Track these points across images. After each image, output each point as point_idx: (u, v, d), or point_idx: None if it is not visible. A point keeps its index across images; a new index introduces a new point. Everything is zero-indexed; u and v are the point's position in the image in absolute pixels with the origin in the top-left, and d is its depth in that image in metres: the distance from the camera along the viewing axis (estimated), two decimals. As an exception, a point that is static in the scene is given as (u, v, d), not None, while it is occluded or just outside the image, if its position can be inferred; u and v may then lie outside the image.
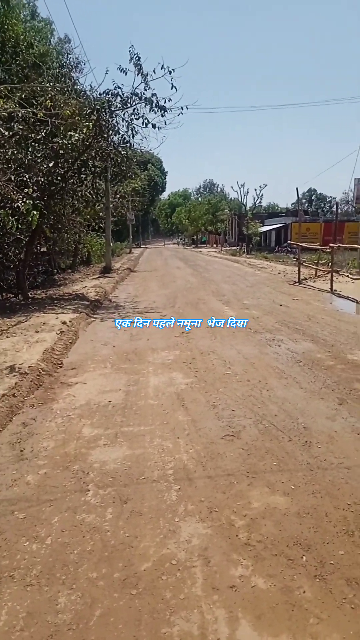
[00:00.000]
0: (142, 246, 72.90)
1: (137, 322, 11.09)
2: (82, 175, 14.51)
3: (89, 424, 5.22)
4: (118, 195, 25.27)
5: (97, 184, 16.55)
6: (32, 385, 6.37)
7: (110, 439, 4.85)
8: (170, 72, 12.37)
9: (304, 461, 4.28)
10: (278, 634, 2.49)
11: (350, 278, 16.69)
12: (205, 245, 73.63)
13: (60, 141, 12.39)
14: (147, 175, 46.18)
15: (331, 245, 17.64)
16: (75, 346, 8.91)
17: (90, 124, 12.31)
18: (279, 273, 23.21)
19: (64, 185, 13.80)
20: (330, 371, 6.95)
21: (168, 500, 3.71)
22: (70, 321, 10.28)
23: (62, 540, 3.25)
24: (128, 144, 14.78)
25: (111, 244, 26.63)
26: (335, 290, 15.88)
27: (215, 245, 66.87)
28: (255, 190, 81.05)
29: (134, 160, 17.15)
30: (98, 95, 13.73)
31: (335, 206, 29.10)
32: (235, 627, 2.53)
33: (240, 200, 47.96)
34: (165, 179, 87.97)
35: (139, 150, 16.58)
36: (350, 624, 2.55)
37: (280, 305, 13.10)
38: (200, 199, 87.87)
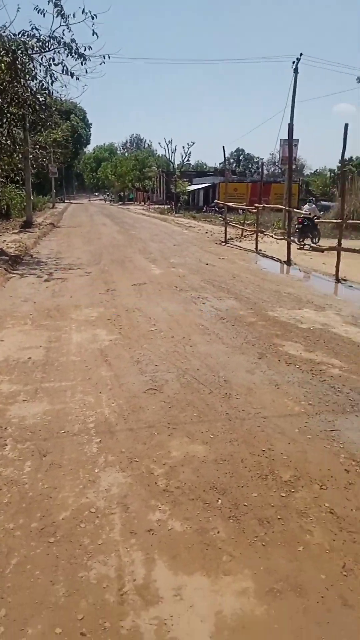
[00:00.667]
0: (66, 201, 70.54)
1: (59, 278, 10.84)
2: (-3, 122, 13.71)
3: (7, 380, 5.10)
4: (38, 146, 24.14)
5: (15, 132, 15.70)
6: None
7: (29, 394, 4.76)
8: (92, 18, 11.79)
9: (223, 412, 4.41)
10: (192, 572, 2.59)
11: (275, 238, 17.05)
12: (132, 203, 72.46)
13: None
14: (70, 125, 44.41)
15: (256, 205, 17.87)
16: (-6, 302, 8.60)
17: (3, 65, 11.55)
18: (207, 232, 23.34)
19: (-24, 131, 13.00)
20: (251, 327, 7.14)
21: (88, 453, 3.72)
22: (-12, 276, 9.87)
23: (-22, 494, 3.19)
24: (47, 91, 14.03)
25: (32, 198, 25.59)
26: (260, 250, 16.21)
27: (143, 203, 65.95)
28: (183, 147, 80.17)
29: (54, 108, 16.34)
30: (12, 36, 12.85)
31: (262, 166, 29.30)
32: (151, 568, 2.61)
33: (168, 157, 47.31)
34: (89, 131, 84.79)
35: (59, 98, 15.77)
36: (260, 560, 2.70)
37: (207, 264, 13.22)
38: (127, 154, 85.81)
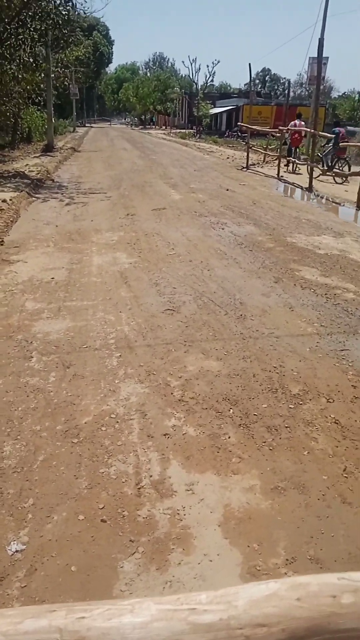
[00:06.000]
0: (87, 125, 68.62)
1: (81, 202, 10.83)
2: (20, 37, 13.24)
3: (32, 299, 5.29)
4: (60, 64, 23.27)
5: (37, 50, 15.19)
6: (-28, 262, 6.29)
7: (53, 312, 4.96)
8: None
9: (237, 332, 4.56)
10: (204, 471, 2.83)
11: (298, 164, 16.59)
12: (153, 127, 70.22)
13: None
14: (92, 42, 42.46)
15: (280, 128, 17.25)
16: (16, 225, 8.69)
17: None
18: (228, 158, 22.74)
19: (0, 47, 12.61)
20: (269, 252, 7.17)
21: (109, 366, 3.93)
22: (10, 199, 9.92)
23: (6, 399, 3.43)
24: (70, 4, 13.44)
25: (53, 120, 24.98)
26: (282, 177, 15.84)
27: (164, 127, 63.85)
28: (208, 67, 76.37)
29: (77, 23, 15.67)
30: None
31: (288, 88, 27.88)
32: (166, 467, 2.84)
33: (191, 77, 45.33)
34: (111, 49, 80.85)
35: (82, 12, 15.08)
36: (267, 462, 2.92)
37: (227, 190, 13.02)
38: (149, 75, 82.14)
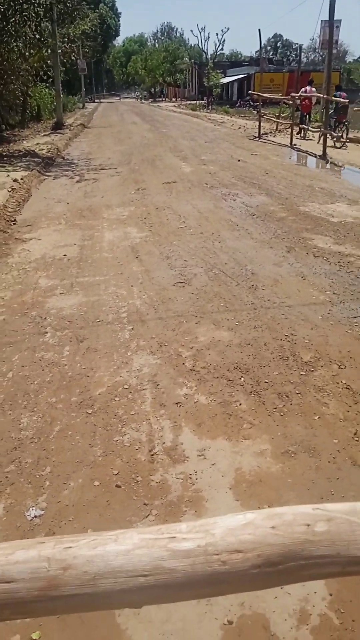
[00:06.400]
0: (96, 100, 67.89)
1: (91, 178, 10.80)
2: (24, 14, 13.07)
3: (44, 276, 5.34)
4: (67, 39, 22.93)
5: (43, 25, 14.98)
6: (-15, 241, 6.35)
7: (66, 288, 5.00)
8: None
9: (249, 302, 4.57)
10: (215, 437, 2.88)
11: (311, 131, 16.28)
12: (163, 99, 69.17)
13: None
14: (98, 15, 41.71)
15: (292, 95, 16.90)
16: (28, 203, 8.73)
17: None
18: (240, 128, 22.38)
19: (5, 25, 12.46)
20: (281, 222, 7.11)
21: (121, 339, 3.97)
22: (22, 178, 9.93)
23: (22, 374, 3.51)
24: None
25: (62, 97, 24.74)
26: (295, 145, 15.57)
27: (174, 99, 62.86)
28: (217, 35, 74.37)
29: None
30: None
31: (300, 53, 27.23)
32: (178, 434, 2.90)
33: (200, 46, 44.45)
34: (118, 21, 79.40)
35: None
36: (278, 427, 2.95)
37: (238, 161, 12.86)
38: (157, 46, 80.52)
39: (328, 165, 12.51)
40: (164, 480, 2.58)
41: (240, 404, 3.14)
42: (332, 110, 15.17)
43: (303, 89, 17.01)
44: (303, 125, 16.72)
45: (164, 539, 0.56)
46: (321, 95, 15.47)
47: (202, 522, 0.59)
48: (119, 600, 0.55)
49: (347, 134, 15.26)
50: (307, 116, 17.41)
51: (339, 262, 5.51)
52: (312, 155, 13.79)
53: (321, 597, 1.98)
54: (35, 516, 2.36)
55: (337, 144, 14.48)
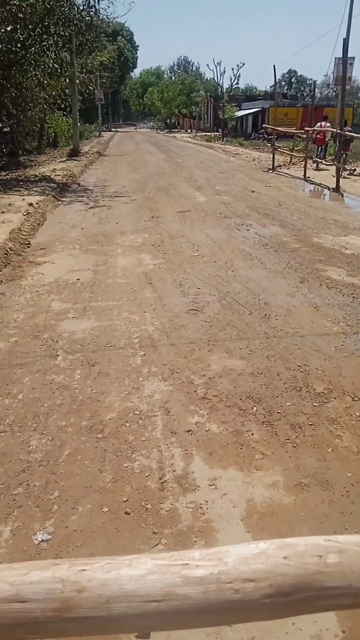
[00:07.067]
0: (112, 129, 69.28)
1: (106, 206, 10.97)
2: (44, 44, 13.50)
3: (57, 299, 5.39)
4: (85, 70, 23.58)
5: (62, 55, 15.45)
6: None
7: (78, 312, 5.05)
8: None
9: (262, 331, 4.57)
10: (227, 467, 2.85)
11: (325, 164, 16.47)
12: (178, 130, 70.40)
13: (18, 2, 11.38)
14: (116, 47, 42.87)
15: (306, 129, 17.15)
16: (43, 228, 8.88)
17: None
18: (254, 160, 22.66)
19: (24, 53, 12.87)
20: (294, 253, 7.14)
21: (133, 364, 3.98)
22: (37, 203, 10.11)
23: (33, 396, 3.52)
24: (93, 9, 13.63)
25: (78, 125, 25.31)
26: (309, 177, 15.72)
27: (189, 130, 63.95)
28: (233, 69, 76.21)
29: (100, 29, 15.89)
30: None
31: (314, 89, 27.68)
32: (189, 462, 2.88)
33: (216, 80, 45.40)
34: (136, 54, 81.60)
35: (105, 17, 15.30)
36: (291, 458, 2.92)
37: (252, 192, 13.00)
38: (174, 78, 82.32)
39: (340, 198, 12.60)
40: (174, 509, 2.55)
41: (252, 434, 3.11)
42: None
43: (318, 123, 17.46)
44: (317, 159, 17.00)
45: (177, 565, 0.57)
46: (334, 130, 15.77)
47: (215, 550, 0.59)
48: (132, 625, 0.55)
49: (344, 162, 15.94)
50: (322, 149, 17.84)
51: (352, 293, 5.51)
52: (325, 188, 13.91)
53: (334, 634, 1.94)
54: (43, 540, 2.35)
55: (344, 173, 14.86)
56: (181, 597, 0.54)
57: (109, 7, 31.06)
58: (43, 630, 0.56)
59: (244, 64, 76.51)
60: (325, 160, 16.73)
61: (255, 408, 3.38)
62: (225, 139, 39.72)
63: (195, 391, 3.58)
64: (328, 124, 17.49)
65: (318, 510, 2.56)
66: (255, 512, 2.54)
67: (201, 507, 2.56)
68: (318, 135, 17.41)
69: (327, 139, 18.18)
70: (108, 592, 0.54)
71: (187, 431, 3.14)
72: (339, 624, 1.97)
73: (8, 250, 6.85)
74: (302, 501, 2.62)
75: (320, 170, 16.83)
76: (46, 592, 0.54)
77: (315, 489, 2.69)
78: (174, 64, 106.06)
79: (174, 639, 1.91)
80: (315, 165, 17.21)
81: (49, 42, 13.64)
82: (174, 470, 2.81)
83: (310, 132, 16.99)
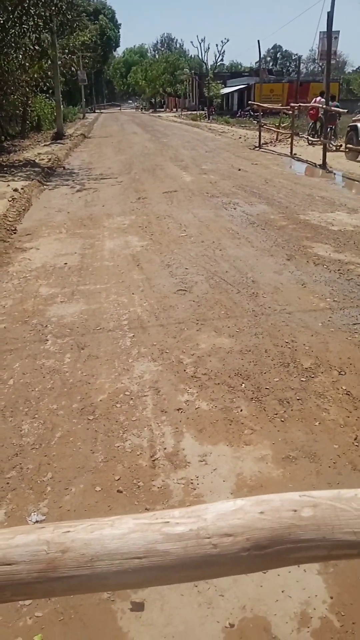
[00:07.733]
0: (96, 111, 68.33)
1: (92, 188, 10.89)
2: (24, 25, 13.23)
3: (45, 284, 5.38)
4: (66, 50, 23.16)
5: (42, 37, 15.16)
6: (-14, 251, 6.40)
7: (67, 296, 5.04)
8: None
9: (249, 309, 4.60)
10: (216, 443, 2.90)
11: (312, 141, 16.40)
12: (163, 110, 69.59)
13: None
14: (98, 26, 42.11)
15: (292, 105, 17.04)
16: (28, 213, 8.80)
17: None
18: (240, 138, 22.51)
19: (4, 36, 12.61)
20: (282, 231, 7.15)
21: (123, 346, 4.00)
22: (22, 188, 10.01)
23: (23, 381, 3.53)
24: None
25: (62, 107, 24.93)
26: (295, 154, 15.66)
27: (174, 109, 63.22)
28: (217, 46, 75.29)
29: (81, 7, 15.59)
30: None
31: (299, 64, 27.44)
32: (179, 439, 2.92)
33: (200, 57, 44.81)
34: (118, 32, 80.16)
35: (85, -5, 15.02)
36: (279, 433, 2.97)
37: (239, 170, 12.94)
38: (157, 57, 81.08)
39: (327, 174, 12.58)
40: (165, 486, 2.59)
41: (241, 410, 3.16)
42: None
43: (315, 98, 17.59)
44: (307, 136, 16.98)
45: (158, 523, 0.59)
46: (320, 106, 15.73)
47: (194, 508, 0.62)
48: (116, 581, 0.58)
49: (334, 139, 16.11)
50: (315, 124, 17.84)
51: (338, 269, 5.54)
52: (312, 165, 13.87)
53: (322, 600, 2.00)
54: (37, 521, 2.38)
55: (333, 148, 14.87)
56: (162, 553, 0.57)
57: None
58: (30, 591, 0.59)
59: (228, 40, 75.73)
60: (316, 137, 16.69)
61: (243, 385, 3.42)
62: (211, 117, 39.36)
63: (184, 370, 3.61)
64: (323, 99, 17.41)
65: (306, 482, 2.61)
66: (245, 486, 2.59)
67: (192, 483, 2.61)
68: (311, 111, 17.41)
69: (320, 114, 18.07)
70: (92, 551, 0.57)
71: (177, 409, 3.18)
72: (327, 590, 2.03)
73: (-6, 236, 6.80)
74: (290, 473, 2.67)
75: (313, 145, 16.75)
76: (32, 554, 0.57)
77: (303, 462, 2.75)
78: (157, 41, 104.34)
79: (168, 610, 1.96)
80: (307, 141, 17.18)
81: (29, 24, 13.37)
82: (165, 448, 2.85)
83: (296, 107, 16.90)
